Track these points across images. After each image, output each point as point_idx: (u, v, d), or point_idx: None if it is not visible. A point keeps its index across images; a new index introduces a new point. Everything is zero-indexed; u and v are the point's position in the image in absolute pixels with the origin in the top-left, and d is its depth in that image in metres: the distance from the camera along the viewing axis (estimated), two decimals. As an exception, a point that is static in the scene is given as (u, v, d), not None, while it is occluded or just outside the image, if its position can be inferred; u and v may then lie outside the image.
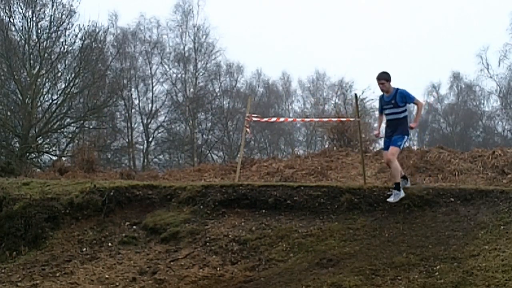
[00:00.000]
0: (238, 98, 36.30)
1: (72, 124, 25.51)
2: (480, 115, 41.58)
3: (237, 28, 55.86)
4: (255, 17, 62.05)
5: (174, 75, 35.13)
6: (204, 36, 35.67)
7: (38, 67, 23.75)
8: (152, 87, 34.59)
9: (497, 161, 11.10)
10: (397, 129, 7.72)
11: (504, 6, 63.60)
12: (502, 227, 6.59)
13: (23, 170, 15.49)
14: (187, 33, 35.56)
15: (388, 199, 7.61)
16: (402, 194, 7.59)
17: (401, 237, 6.88)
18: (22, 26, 23.99)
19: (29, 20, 23.99)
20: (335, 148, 16.33)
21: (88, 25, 25.25)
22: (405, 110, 7.84)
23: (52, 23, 24.26)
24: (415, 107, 8.20)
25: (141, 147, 33.60)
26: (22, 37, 24.02)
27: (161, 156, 34.79)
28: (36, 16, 24.18)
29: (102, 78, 26.49)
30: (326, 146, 20.90)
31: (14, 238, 8.02)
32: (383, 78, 7.78)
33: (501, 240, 6.20)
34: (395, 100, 7.71)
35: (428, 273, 5.73)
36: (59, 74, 25.08)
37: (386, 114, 7.92)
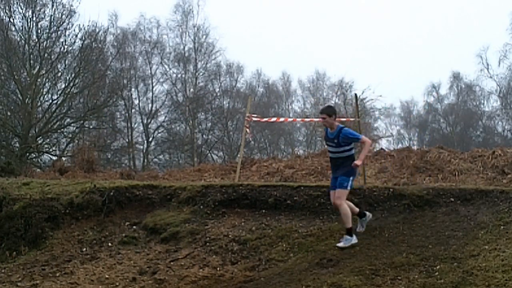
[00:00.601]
0: (238, 98, 36.31)
1: (72, 124, 25.51)
2: (480, 115, 41.59)
3: (237, 28, 55.97)
4: (255, 17, 62.17)
5: (174, 75, 35.17)
6: (204, 36, 35.71)
7: (38, 67, 23.75)
8: (152, 87, 34.62)
9: (497, 161, 11.11)
10: (340, 168, 6.93)
11: (504, 6, 63.73)
12: (502, 227, 6.59)
13: (23, 170, 15.47)
14: (187, 33, 35.59)
15: (337, 244, 6.79)
16: (354, 239, 6.77)
17: (401, 237, 6.88)
18: (22, 26, 24.03)
19: (29, 20, 24.01)
20: (335, 148, 16.31)
21: (88, 25, 25.29)
22: (350, 149, 6.99)
23: (52, 23, 24.28)
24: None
25: (141, 147, 33.62)
26: (22, 37, 24.03)
27: (161, 156, 34.79)
28: (36, 16, 24.20)
29: (102, 78, 26.49)
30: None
31: (14, 238, 8.01)
32: (324, 112, 7.08)
33: (501, 240, 6.20)
34: (337, 139, 6.90)
35: (428, 273, 5.73)
36: (59, 74, 25.08)
37: (329, 152, 7.17)
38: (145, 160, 32.52)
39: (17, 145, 23.32)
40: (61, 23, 24.52)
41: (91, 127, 26.92)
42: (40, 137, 24.01)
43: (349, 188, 6.86)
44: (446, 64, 65.33)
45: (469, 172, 10.78)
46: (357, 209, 7.16)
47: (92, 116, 25.56)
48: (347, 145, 6.93)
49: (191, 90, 35.18)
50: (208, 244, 7.51)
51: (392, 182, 9.98)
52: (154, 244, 7.75)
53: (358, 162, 6.83)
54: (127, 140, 32.60)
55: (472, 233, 6.59)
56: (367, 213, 7.27)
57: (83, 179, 11.04)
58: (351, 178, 6.87)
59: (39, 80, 23.87)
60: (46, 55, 23.86)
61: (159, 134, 34.64)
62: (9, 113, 23.53)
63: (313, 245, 7.04)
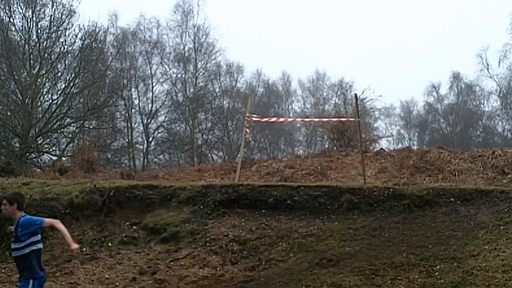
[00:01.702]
0: (238, 98, 36.30)
1: (72, 124, 25.51)
2: (480, 115, 41.58)
3: (237, 28, 55.89)
4: (255, 17, 62.08)
5: (174, 75, 35.17)
6: (204, 36, 35.72)
7: (38, 67, 23.75)
8: (152, 87, 34.62)
9: (497, 161, 11.10)
10: (23, 269, 5.39)
11: (504, 6, 63.63)
12: (502, 227, 6.60)
13: (23, 170, 15.46)
14: (187, 33, 35.60)
15: None
16: None
17: (401, 237, 6.88)
18: (22, 26, 24.03)
19: (29, 20, 24.02)
20: (335, 148, 16.36)
21: (88, 25, 25.30)
22: (33, 243, 5.36)
23: (52, 23, 24.28)
24: None
25: (141, 147, 33.63)
26: (22, 37, 24.04)
27: (161, 156, 34.80)
28: (36, 16, 24.20)
29: (102, 78, 26.49)
30: (326, 146, 20.94)
31: (14, 238, 8.00)
32: (6, 198, 5.55)
33: (501, 240, 6.20)
34: (16, 232, 5.37)
35: (428, 273, 5.73)
36: (59, 74, 25.09)
37: (11, 249, 5.54)
38: (145, 160, 32.52)
39: (17, 145, 23.32)
40: (61, 23, 24.53)
41: (91, 127, 26.91)
42: (40, 137, 24.01)
43: None
44: (446, 64, 65.28)
45: (469, 172, 10.77)
46: None
47: (92, 116, 25.56)
48: (29, 238, 5.36)
49: (191, 90, 35.20)
50: (208, 244, 7.51)
51: (392, 182, 9.98)
52: (154, 244, 7.76)
53: (73, 245, 5.47)
54: (127, 140, 32.60)
55: (472, 233, 6.59)
56: None
57: (83, 179, 11.04)
58: (31, 281, 5.31)
59: (39, 80, 23.87)
60: (46, 55, 23.86)
61: (159, 134, 34.67)
62: (9, 113, 23.53)
63: (313, 245, 7.05)
